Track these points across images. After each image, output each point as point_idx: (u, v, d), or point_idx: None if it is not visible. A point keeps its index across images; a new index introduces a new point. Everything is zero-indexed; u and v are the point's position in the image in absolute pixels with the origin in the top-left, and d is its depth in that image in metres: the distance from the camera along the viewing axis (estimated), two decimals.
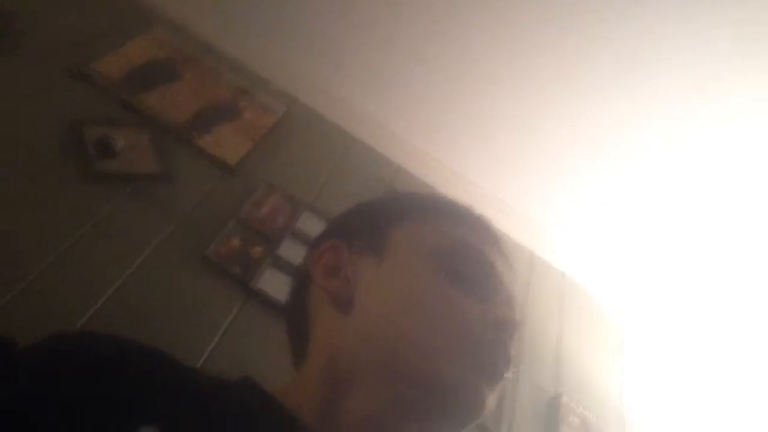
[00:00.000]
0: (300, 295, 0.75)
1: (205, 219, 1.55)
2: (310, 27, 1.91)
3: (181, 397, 0.55)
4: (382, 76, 1.95)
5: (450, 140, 1.99)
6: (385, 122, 2.00)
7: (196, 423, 0.53)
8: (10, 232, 1.29)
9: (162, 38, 1.83)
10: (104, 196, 1.46)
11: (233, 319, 1.43)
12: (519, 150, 1.97)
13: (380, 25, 1.85)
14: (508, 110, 1.88)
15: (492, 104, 1.89)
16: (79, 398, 0.50)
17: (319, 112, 1.97)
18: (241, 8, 1.92)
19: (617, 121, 1.79)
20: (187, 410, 0.54)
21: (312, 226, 1.62)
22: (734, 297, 2.06)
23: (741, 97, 1.63)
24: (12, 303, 1.19)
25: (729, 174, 1.79)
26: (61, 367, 0.52)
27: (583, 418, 1.74)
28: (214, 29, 1.93)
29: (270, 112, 1.85)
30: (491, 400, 0.62)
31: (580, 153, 1.90)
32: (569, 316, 2.03)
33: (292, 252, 1.57)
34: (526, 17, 1.68)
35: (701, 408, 2.09)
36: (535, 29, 1.70)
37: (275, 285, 1.50)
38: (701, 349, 2.19)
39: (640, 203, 1.96)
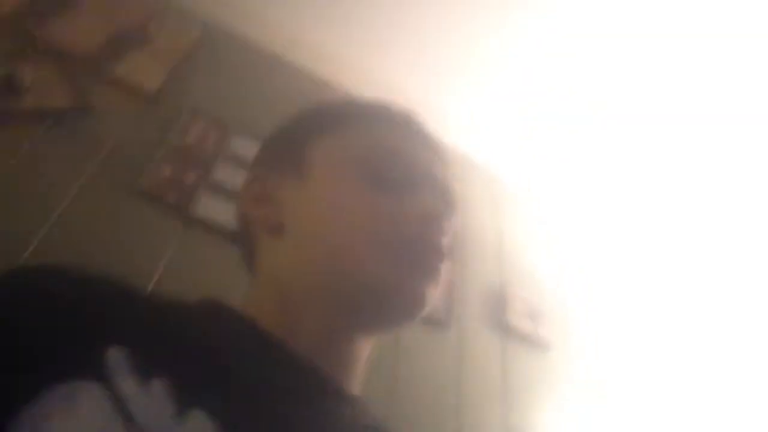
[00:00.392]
0: (241, 229, 0.75)
1: (132, 149, 1.49)
2: None
3: (144, 320, 0.55)
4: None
5: (373, 47, 1.96)
6: (305, 36, 1.95)
7: (165, 344, 0.53)
8: None
9: None
10: (20, 136, 1.37)
11: (175, 248, 1.41)
12: (444, 55, 1.97)
13: None
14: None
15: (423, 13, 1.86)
16: (41, 332, 0.49)
17: (236, 32, 1.90)
18: None
19: None
20: (152, 332, 0.53)
21: (244, 147, 1.58)
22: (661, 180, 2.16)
23: None
24: None
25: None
26: (21, 302, 0.51)
27: (528, 303, 1.82)
28: None
29: (184, 35, 1.77)
30: (431, 294, 0.63)
31: (501, 50, 1.90)
32: (507, 212, 2.09)
33: (228, 175, 1.53)
34: None
35: (635, 289, 2.22)
36: None
37: (213, 209, 1.47)
38: (635, 233, 2.31)
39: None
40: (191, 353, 0.53)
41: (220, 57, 1.81)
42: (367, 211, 0.65)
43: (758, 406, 2.08)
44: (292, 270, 0.66)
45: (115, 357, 0.47)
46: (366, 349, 0.67)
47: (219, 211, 1.46)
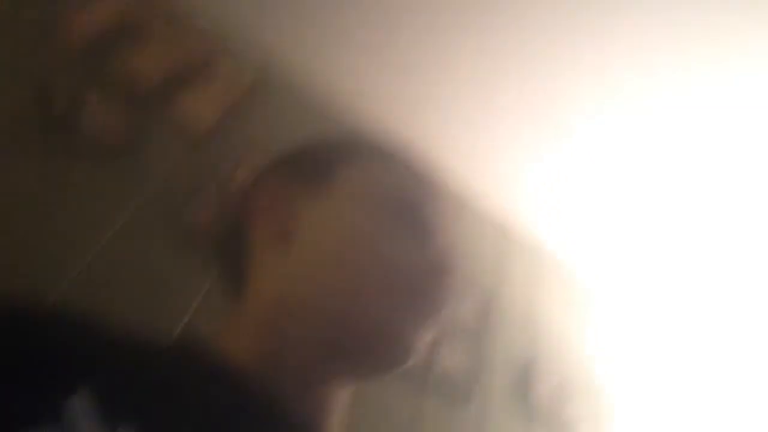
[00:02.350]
0: (238, 229, 0.73)
1: (180, 186, 1.51)
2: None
3: (112, 363, 0.53)
4: (360, 45, 1.90)
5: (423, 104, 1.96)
6: (361, 84, 1.97)
7: (132, 390, 0.51)
8: None
9: (128, 1, 1.75)
10: (73, 165, 1.41)
11: (210, 289, 1.41)
12: (487, 123, 1.96)
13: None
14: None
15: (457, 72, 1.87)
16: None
17: (294, 77, 1.93)
18: None
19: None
20: (120, 375, 0.52)
21: None
22: (701, 259, 2.11)
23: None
24: None
25: (697, 135, 1.81)
26: None
27: (556, 381, 1.78)
28: None
29: (242, 77, 1.80)
30: (420, 346, 0.63)
31: (547, 124, 1.89)
32: (541, 283, 2.06)
33: None
34: None
35: (669, 368, 2.15)
36: None
37: None
38: (669, 313, 2.25)
39: (603, 169, 1.97)
40: (160, 399, 0.51)
41: (274, 101, 1.84)
42: (379, 245, 0.65)
43: None
44: (290, 280, 0.65)
45: (79, 404, 0.46)
46: (343, 398, 0.65)
47: None
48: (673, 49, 1.65)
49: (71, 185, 1.39)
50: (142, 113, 1.56)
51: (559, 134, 1.92)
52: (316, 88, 1.94)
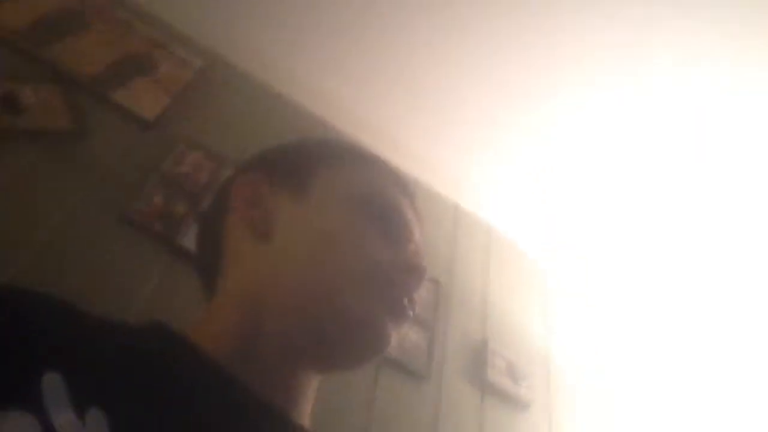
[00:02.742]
0: (216, 222, 0.75)
1: (124, 176, 1.50)
2: None
3: (83, 343, 0.52)
4: (302, 30, 1.90)
5: (373, 94, 1.97)
6: (307, 76, 1.97)
7: (103, 368, 0.51)
8: None
9: None
10: (15, 155, 1.38)
11: (159, 279, 1.40)
12: (442, 106, 1.99)
13: None
14: (429, 64, 1.88)
15: (414, 58, 1.89)
16: None
17: (238, 66, 1.92)
18: None
19: (536, 72, 1.82)
20: (90, 356, 0.51)
21: None
22: (658, 245, 2.17)
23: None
24: None
25: (645, 123, 1.86)
26: None
27: (508, 361, 1.81)
28: None
29: (187, 66, 1.79)
30: (395, 337, 0.66)
31: (504, 106, 1.92)
32: (495, 266, 2.09)
33: None
34: None
35: (618, 349, 2.21)
36: None
37: None
38: (618, 294, 2.31)
39: (556, 154, 2.01)
40: (131, 381, 0.51)
41: (220, 89, 1.83)
42: (358, 243, 0.67)
43: None
44: (268, 277, 0.66)
45: (51, 384, 0.45)
46: (314, 385, 0.67)
47: None
48: (654, 50, 1.69)
49: (16, 171, 1.36)
50: (86, 100, 1.54)
51: (514, 121, 1.96)
52: (260, 79, 1.93)
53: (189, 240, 1.46)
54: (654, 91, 1.78)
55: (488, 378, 1.74)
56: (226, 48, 1.92)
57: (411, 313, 0.67)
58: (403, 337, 1.67)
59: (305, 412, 0.65)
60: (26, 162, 1.39)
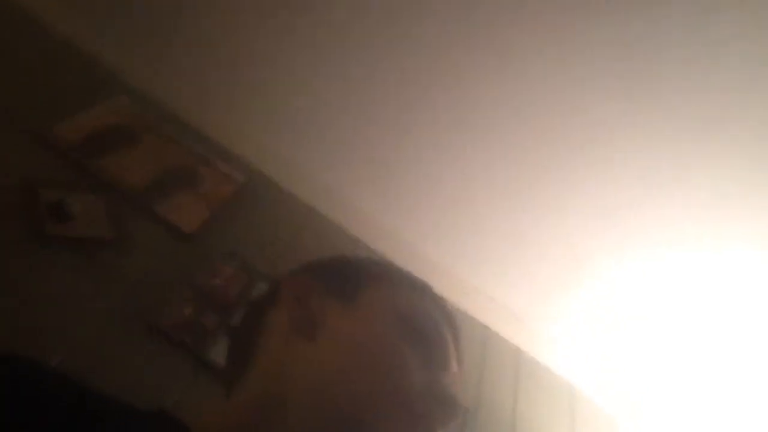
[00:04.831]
0: (258, 314, 0.76)
1: (158, 286, 1.52)
2: (270, 98, 1.94)
3: (88, 425, 0.54)
4: (344, 150, 1.98)
5: (405, 212, 2.01)
6: (345, 195, 2.02)
7: None
8: None
9: (123, 105, 1.84)
10: (55, 260, 1.42)
11: (183, 390, 1.39)
12: (474, 226, 2.01)
13: (341, 100, 1.90)
14: (463, 183, 1.93)
15: (451, 179, 1.93)
16: None
17: (279, 183, 1.99)
18: (204, 76, 1.95)
19: (570, 193, 1.85)
20: None
21: None
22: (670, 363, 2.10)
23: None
24: None
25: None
26: None
27: None
28: (177, 97, 1.95)
29: (229, 181, 1.86)
30: None
31: (535, 226, 1.94)
32: (524, 391, 2.02)
33: None
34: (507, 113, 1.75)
35: None
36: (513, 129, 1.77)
37: None
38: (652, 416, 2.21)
39: (587, 278, 2.00)
40: None
41: (259, 204, 1.88)
42: (396, 364, 0.66)
43: None
44: (300, 377, 0.65)
45: None
46: None
47: None
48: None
49: (57, 275, 1.40)
50: (129, 212, 1.60)
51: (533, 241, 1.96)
52: (298, 195, 1.99)
53: (217, 353, 1.47)
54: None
55: None
56: (268, 164, 2.00)
57: None
58: None
59: None
60: (68, 267, 1.43)
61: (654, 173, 1.72)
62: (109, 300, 1.44)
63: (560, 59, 1.62)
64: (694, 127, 1.61)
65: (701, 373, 2.05)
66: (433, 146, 1.90)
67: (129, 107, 1.84)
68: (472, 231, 2.02)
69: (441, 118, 1.83)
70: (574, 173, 1.79)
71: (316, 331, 0.69)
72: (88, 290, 1.43)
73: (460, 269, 2.06)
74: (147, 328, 1.44)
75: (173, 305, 1.51)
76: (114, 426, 0.56)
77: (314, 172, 2.01)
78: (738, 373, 2.01)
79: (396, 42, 1.75)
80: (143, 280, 1.52)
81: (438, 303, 0.77)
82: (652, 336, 2.04)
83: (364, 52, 1.80)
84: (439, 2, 1.64)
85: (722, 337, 1.96)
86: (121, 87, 1.89)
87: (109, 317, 1.41)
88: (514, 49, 1.65)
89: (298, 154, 2.01)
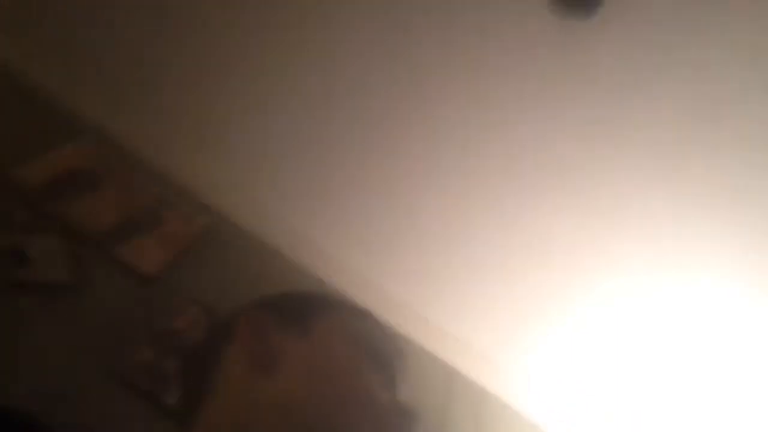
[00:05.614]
0: (212, 353, 0.76)
1: (118, 330, 1.51)
2: (233, 137, 1.96)
3: None
4: (308, 192, 1.99)
5: (370, 253, 2.02)
6: (308, 236, 2.03)
7: None
8: None
9: (85, 148, 1.83)
10: (13, 305, 1.41)
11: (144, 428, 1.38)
12: (441, 267, 2.03)
13: (306, 142, 1.92)
14: (419, 223, 1.95)
15: (412, 220, 1.96)
16: None
17: (243, 224, 1.99)
18: (168, 117, 1.96)
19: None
20: None
21: None
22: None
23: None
24: None
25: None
26: None
27: None
28: (139, 138, 1.95)
29: (192, 223, 1.85)
30: None
31: (500, 270, 1.96)
32: (488, 423, 2.03)
33: None
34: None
35: None
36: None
37: None
38: None
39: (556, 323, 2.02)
40: None
41: (222, 247, 1.88)
42: (358, 384, 0.69)
43: None
44: (265, 410, 0.66)
45: None
46: None
47: None
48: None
49: (14, 319, 1.39)
50: (90, 255, 1.59)
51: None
52: (262, 238, 1.99)
53: (175, 397, 1.45)
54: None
55: None
56: (232, 205, 2.00)
57: None
58: None
59: None
60: (26, 311, 1.42)
61: (620, 206, 1.77)
62: (67, 344, 1.42)
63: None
64: (654, 153, 1.66)
65: (673, 411, 2.08)
66: (397, 186, 1.92)
67: (91, 149, 1.83)
68: (436, 270, 2.04)
69: (402, 154, 1.86)
70: (538, 208, 1.83)
71: (277, 364, 0.70)
72: (46, 335, 1.41)
73: (424, 308, 2.07)
74: (106, 372, 1.42)
75: (133, 350, 1.49)
76: None
77: (278, 213, 2.02)
78: (715, 412, 2.04)
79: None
80: (103, 324, 1.50)
81: (382, 327, 0.81)
82: (621, 373, 2.07)
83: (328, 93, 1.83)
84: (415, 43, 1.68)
85: (699, 374, 1.98)
86: (83, 129, 1.88)
87: (68, 362, 1.40)
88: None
89: (262, 196, 2.01)
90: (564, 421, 2.20)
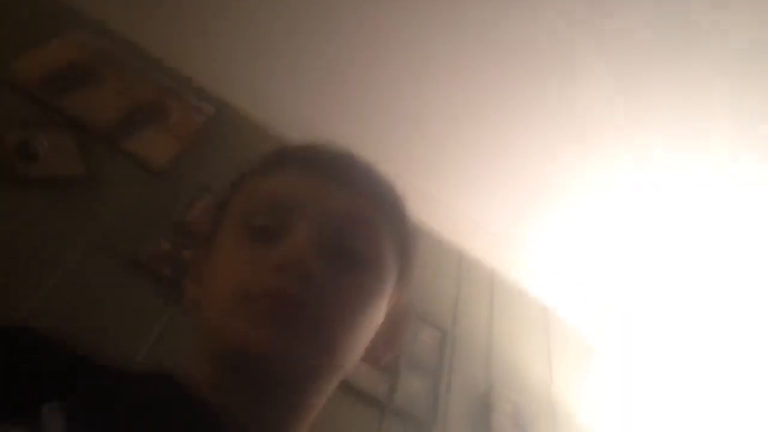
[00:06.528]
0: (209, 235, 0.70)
1: (134, 222, 1.52)
2: (237, 26, 1.89)
3: (88, 381, 0.55)
4: (312, 77, 1.95)
5: (379, 133, 2.00)
6: (314, 122, 2.00)
7: (102, 406, 0.52)
8: None
9: (84, 39, 1.77)
10: (28, 201, 1.41)
11: (166, 322, 1.41)
12: (452, 147, 2.01)
13: (308, 29, 1.85)
14: (429, 101, 1.92)
15: (421, 98, 1.92)
16: None
17: (248, 113, 1.96)
18: (167, 4, 1.89)
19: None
20: (93, 393, 0.53)
21: None
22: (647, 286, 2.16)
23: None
24: None
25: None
26: None
27: (515, 404, 1.80)
28: (138, 29, 1.89)
29: (198, 113, 1.83)
30: (292, 349, 0.56)
31: (506, 145, 1.94)
32: (499, 311, 2.09)
33: None
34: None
35: (621, 393, 2.19)
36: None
37: None
38: (622, 338, 2.30)
39: (558, 195, 2.02)
40: (128, 417, 0.52)
41: (229, 136, 1.87)
42: (229, 263, 0.61)
43: None
44: (197, 338, 0.61)
45: (51, 411, 0.48)
46: (307, 421, 0.62)
47: None
48: None
49: (29, 217, 1.39)
50: (98, 149, 1.58)
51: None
52: (268, 125, 1.97)
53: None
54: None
55: (494, 424, 1.73)
56: (237, 94, 1.96)
57: (298, 315, 0.56)
58: (408, 384, 1.67)
59: None
60: (39, 208, 1.42)
61: (631, 90, 1.73)
62: (85, 237, 1.43)
63: None
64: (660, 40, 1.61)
65: (676, 294, 2.12)
66: (404, 68, 1.88)
67: (89, 41, 1.78)
68: (447, 149, 2.02)
69: (405, 38, 1.80)
70: (551, 89, 1.79)
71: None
72: (64, 229, 1.42)
73: (434, 188, 2.07)
74: (126, 263, 1.45)
75: (151, 240, 1.51)
76: (115, 385, 0.56)
77: (283, 100, 1.98)
78: (716, 297, 2.07)
79: None
80: (118, 216, 1.51)
81: (293, 164, 0.67)
82: (628, 257, 2.10)
83: None
84: None
85: (701, 260, 2.01)
86: (78, 20, 1.82)
87: (86, 255, 1.41)
88: None
89: (266, 84, 1.97)
90: (573, 302, 2.26)
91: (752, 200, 1.84)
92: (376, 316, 0.65)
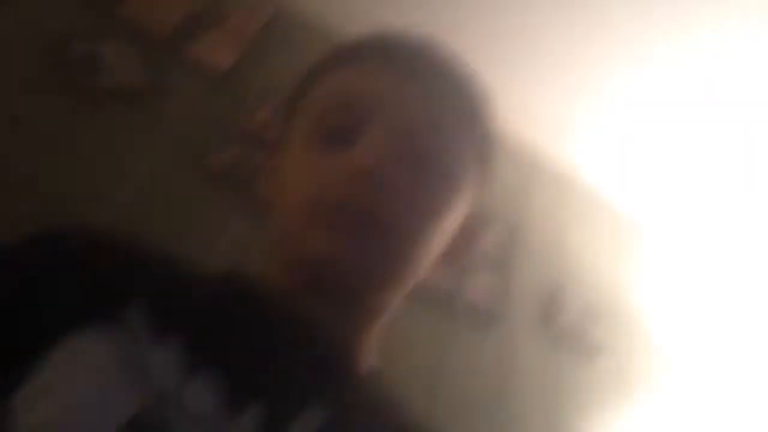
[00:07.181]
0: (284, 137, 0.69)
1: (202, 129, 1.53)
2: None
3: (169, 283, 0.56)
4: None
5: (448, 27, 1.90)
6: (374, 18, 1.93)
7: (184, 306, 0.54)
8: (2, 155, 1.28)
9: None
10: (95, 112, 1.43)
11: (240, 227, 1.44)
12: (521, 39, 1.91)
13: None
14: None
15: None
16: (63, 286, 0.52)
17: (307, 13, 1.90)
18: None
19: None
20: (174, 295, 0.55)
21: None
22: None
23: None
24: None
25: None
26: (46, 259, 0.54)
27: (582, 304, 1.80)
28: None
29: (257, 15, 1.79)
30: (366, 258, 0.56)
31: (586, 44, 1.84)
32: (570, 209, 2.05)
33: None
34: None
35: (699, 297, 2.15)
36: None
37: None
38: (700, 241, 2.23)
39: (639, 99, 1.92)
40: (208, 317, 0.55)
41: (291, 36, 1.82)
42: (305, 172, 0.59)
43: None
44: (272, 242, 0.62)
45: (136, 312, 0.50)
46: (378, 323, 0.63)
47: None
48: None
49: (94, 127, 1.42)
50: (159, 58, 1.57)
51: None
52: (329, 28, 1.91)
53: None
54: None
55: (562, 321, 1.74)
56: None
57: (369, 224, 0.56)
58: (476, 279, 1.68)
59: (368, 348, 0.63)
60: (107, 119, 1.44)
61: None
62: (154, 147, 1.46)
63: None
64: None
65: (723, 177, 2.04)
66: None
67: None
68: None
69: None
70: None
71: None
72: (133, 139, 1.45)
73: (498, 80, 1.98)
74: (197, 171, 1.47)
75: (221, 146, 1.52)
76: (194, 287, 0.58)
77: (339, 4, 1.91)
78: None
79: None
80: (186, 124, 1.53)
81: (372, 61, 0.63)
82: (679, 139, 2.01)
83: None
84: None
85: (747, 140, 1.91)
86: None
87: (157, 164, 1.44)
88: None
89: None
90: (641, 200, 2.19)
91: None
92: (451, 225, 0.64)
